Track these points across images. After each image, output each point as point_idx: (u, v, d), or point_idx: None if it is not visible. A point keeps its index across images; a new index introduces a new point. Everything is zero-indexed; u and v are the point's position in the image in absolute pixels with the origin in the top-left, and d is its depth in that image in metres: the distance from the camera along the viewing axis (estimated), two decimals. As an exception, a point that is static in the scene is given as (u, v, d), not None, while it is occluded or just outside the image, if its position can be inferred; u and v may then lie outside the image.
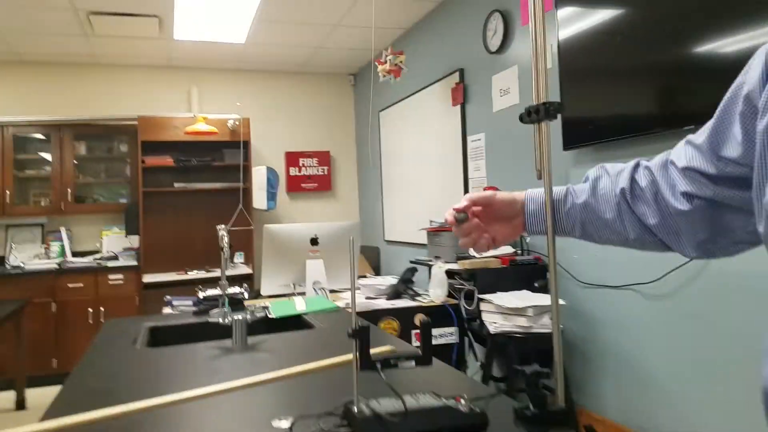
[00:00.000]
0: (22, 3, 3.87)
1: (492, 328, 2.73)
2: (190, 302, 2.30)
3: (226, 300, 1.83)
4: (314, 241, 2.78)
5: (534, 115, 0.89)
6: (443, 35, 4.28)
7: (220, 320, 1.54)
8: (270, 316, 1.90)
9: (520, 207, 0.96)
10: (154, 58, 5.30)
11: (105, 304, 4.73)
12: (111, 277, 4.78)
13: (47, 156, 5.04)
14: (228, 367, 1.34)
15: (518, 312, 2.66)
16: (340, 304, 2.74)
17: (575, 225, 0.93)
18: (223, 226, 1.91)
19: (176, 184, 5.19)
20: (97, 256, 5.07)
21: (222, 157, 5.26)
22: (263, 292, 2.81)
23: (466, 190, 3.99)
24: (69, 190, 5.02)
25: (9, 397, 4.04)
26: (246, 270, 5.16)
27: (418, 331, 2.77)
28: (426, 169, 4.58)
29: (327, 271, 2.76)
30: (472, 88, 3.94)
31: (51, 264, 4.83)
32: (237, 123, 5.14)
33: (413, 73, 4.45)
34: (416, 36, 4.70)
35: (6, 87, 5.13)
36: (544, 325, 2.63)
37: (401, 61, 4.06)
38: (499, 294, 2.84)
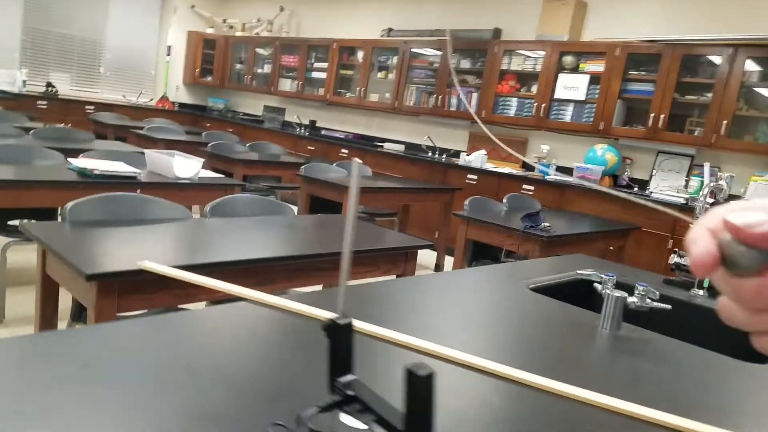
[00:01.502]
0: None
1: None
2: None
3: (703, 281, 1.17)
4: None
5: None
6: None
7: (599, 289, 0.95)
8: None
9: None
10: None
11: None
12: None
13: (711, 81, 4.51)
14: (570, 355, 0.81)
15: None
16: None
17: None
18: None
19: None
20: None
21: None
22: None
23: None
24: (725, 122, 4.39)
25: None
26: None
27: None
28: None
29: None
30: None
31: (679, 198, 4.47)
32: None
33: None
34: None
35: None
36: None
37: None
38: None
